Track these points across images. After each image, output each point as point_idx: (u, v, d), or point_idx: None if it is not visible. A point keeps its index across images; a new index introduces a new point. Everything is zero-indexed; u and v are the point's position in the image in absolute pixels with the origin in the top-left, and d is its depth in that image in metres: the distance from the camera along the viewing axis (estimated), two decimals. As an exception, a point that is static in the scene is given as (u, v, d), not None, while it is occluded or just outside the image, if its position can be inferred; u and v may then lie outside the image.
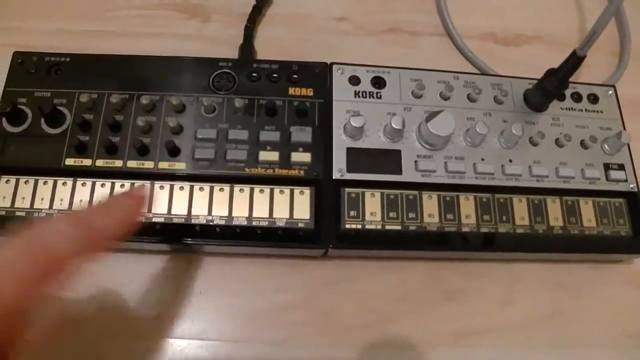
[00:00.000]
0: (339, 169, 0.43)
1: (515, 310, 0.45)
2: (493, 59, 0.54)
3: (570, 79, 0.45)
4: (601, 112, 0.49)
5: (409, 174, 0.44)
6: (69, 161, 0.43)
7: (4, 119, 0.43)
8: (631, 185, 0.47)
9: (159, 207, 0.42)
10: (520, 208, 0.45)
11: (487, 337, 0.44)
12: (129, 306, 0.42)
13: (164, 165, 0.43)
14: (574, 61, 0.43)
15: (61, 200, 0.42)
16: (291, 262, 0.44)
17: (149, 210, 0.42)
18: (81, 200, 0.42)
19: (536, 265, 0.47)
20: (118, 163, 0.43)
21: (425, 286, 0.45)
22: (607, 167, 0.47)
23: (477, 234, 0.43)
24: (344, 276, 0.44)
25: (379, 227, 0.42)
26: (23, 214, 0.41)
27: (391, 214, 0.43)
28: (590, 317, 0.45)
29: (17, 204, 0.42)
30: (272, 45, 0.52)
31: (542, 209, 0.45)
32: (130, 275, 0.43)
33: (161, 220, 0.41)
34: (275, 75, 0.46)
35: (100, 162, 0.43)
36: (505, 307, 0.45)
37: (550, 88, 0.45)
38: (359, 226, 0.42)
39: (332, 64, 0.47)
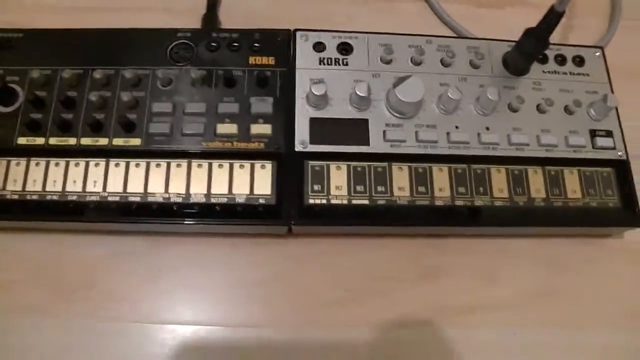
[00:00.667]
0: (302, 140, 0.41)
1: (499, 289, 0.43)
2: (474, 24, 0.50)
3: (557, 42, 0.42)
4: (587, 75, 0.46)
5: (377, 145, 0.41)
6: (22, 140, 0.41)
7: (-50, 98, 0.41)
8: (619, 153, 0.44)
9: (115, 186, 0.40)
10: (499, 179, 0.42)
11: (469, 316, 0.41)
12: (93, 289, 0.41)
13: (118, 141, 0.41)
14: (553, 17, 0.39)
15: (14, 181, 0.40)
16: (255, 240, 0.42)
17: (104, 189, 0.40)
18: (35, 181, 0.40)
19: (520, 240, 0.44)
20: (72, 141, 0.41)
21: (401, 263, 0.43)
22: (593, 133, 0.44)
23: (451, 208, 0.41)
24: (312, 254, 0.42)
25: (345, 201, 0.40)
26: (-26, 195, 0.40)
27: (358, 188, 0.41)
28: (578, 295, 0.43)
29: (-32, 186, 0.40)
30: (238, 13, 0.50)
31: (523, 180, 0.42)
32: (85, 258, 0.41)
33: (116, 199, 0.40)
34: (236, 44, 0.44)
35: (53, 140, 0.41)
36: (489, 285, 0.43)
37: (529, 49, 0.42)
38: (324, 201, 0.40)
39: (295, 30, 0.45)
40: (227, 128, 0.41)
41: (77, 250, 0.42)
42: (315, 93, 0.40)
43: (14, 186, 0.40)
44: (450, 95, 0.41)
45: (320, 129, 0.41)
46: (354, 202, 0.40)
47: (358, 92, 0.40)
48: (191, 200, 0.40)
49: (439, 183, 0.41)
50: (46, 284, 0.41)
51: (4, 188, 0.40)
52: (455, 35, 0.50)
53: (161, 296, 0.40)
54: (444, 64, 0.44)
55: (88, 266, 0.41)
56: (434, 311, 0.41)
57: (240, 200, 0.40)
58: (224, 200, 0.40)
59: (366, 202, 0.40)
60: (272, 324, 0.40)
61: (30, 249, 0.41)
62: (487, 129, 0.43)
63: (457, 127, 0.43)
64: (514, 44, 0.45)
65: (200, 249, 0.42)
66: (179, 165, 0.40)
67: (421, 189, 0.41)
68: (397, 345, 0.40)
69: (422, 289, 0.42)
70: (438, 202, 0.41)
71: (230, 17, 0.49)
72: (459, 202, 0.41)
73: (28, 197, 0.40)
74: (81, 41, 0.44)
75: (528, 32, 0.42)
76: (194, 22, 0.48)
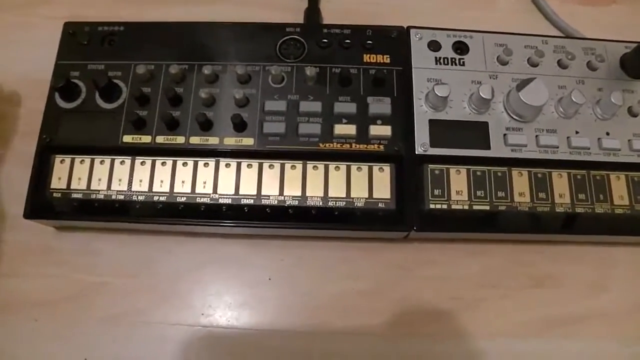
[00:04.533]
0: (422, 143, 0.39)
1: (610, 298, 0.41)
2: (579, 23, 0.49)
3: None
4: None
5: (497, 149, 0.40)
6: (127, 138, 0.39)
7: (57, 94, 0.40)
8: None
9: (225, 188, 0.38)
10: (619, 186, 0.41)
11: (577, 326, 0.40)
12: (197, 293, 0.39)
13: (230, 141, 0.39)
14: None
15: (119, 180, 0.39)
16: (368, 245, 0.41)
17: (214, 191, 0.38)
18: (141, 181, 0.39)
19: (634, 248, 0.42)
20: (180, 139, 0.39)
21: (511, 271, 0.41)
22: None
23: (572, 215, 0.39)
24: (423, 260, 0.41)
25: (466, 207, 0.39)
26: (80, 195, 0.38)
27: (479, 193, 0.39)
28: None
29: (74, 185, 0.39)
30: (338, 8, 0.48)
31: (644, 186, 0.41)
32: (200, 259, 0.40)
33: (228, 201, 0.38)
34: (348, 41, 0.42)
35: (160, 139, 0.39)
36: (599, 294, 0.41)
37: (656, 52, 0.40)
38: (445, 206, 0.38)
39: (409, 27, 0.43)
40: (345, 129, 0.39)
41: (187, 254, 0.40)
42: (438, 94, 0.39)
43: (119, 186, 0.39)
44: (573, 99, 0.40)
45: (441, 131, 0.40)
46: (475, 207, 0.39)
47: (482, 95, 0.39)
48: (308, 204, 0.38)
49: (559, 189, 0.40)
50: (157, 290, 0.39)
51: (109, 188, 0.38)
52: (562, 34, 0.48)
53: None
54: (561, 65, 0.43)
55: (198, 270, 0.39)
56: (545, 321, 0.40)
57: (359, 204, 0.38)
58: (342, 204, 0.38)
59: (487, 207, 0.39)
60: (376, 332, 0.39)
61: (138, 250, 0.40)
62: (608, 134, 0.41)
63: (577, 132, 0.41)
64: (632, 44, 0.43)
65: (314, 253, 0.40)
66: (293, 167, 0.39)
67: (541, 195, 0.40)
68: (509, 357, 0.39)
69: (532, 297, 0.40)
70: (559, 209, 0.39)
71: (330, 12, 0.47)
72: (579, 210, 0.40)
73: (134, 198, 0.38)
74: (186, 35, 0.42)
75: (657, 35, 0.40)
76: (292, 18, 0.46)
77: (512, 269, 0.41)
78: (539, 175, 0.40)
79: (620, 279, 0.42)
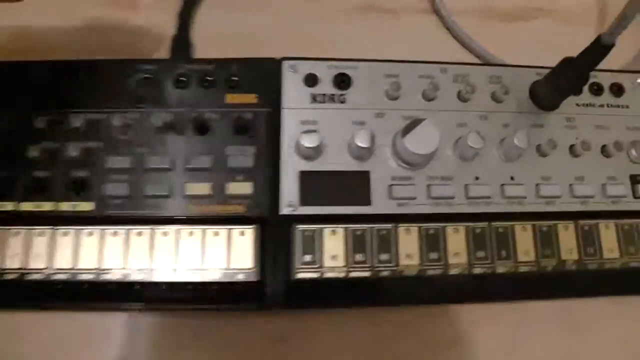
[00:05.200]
0: (289, 202, 0.34)
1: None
2: (492, 41, 0.42)
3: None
4: (627, 107, 0.39)
5: (380, 204, 0.34)
6: None
7: None
8: (667, 203, 0.37)
9: (62, 261, 0.33)
10: (524, 238, 0.35)
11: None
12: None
13: (66, 206, 0.33)
14: (599, 51, 0.32)
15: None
16: (231, 315, 0.35)
17: (49, 265, 0.32)
18: (-35, 254, 0.33)
19: (542, 303, 0.37)
20: (9, 206, 0.33)
21: (405, 339, 0.36)
22: (635, 180, 0.37)
23: (468, 278, 0.34)
24: (297, 331, 0.36)
25: (342, 274, 0.33)
26: None
27: (357, 257, 0.34)
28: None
29: None
30: (212, 34, 0.41)
31: (552, 238, 0.35)
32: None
33: (64, 277, 0.32)
34: (210, 78, 0.36)
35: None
36: (509, 356, 0.36)
37: (566, 83, 0.35)
38: (316, 274, 0.33)
39: (282, 59, 0.37)
40: (199, 188, 0.34)
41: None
42: (305, 145, 0.33)
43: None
44: (470, 144, 0.34)
45: (312, 185, 0.34)
46: (353, 274, 0.33)
47: (358, 143, 0.33)
48: (156, 278, 0.33)
49: (454, 247, 0.35)
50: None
51: None
52: (476, 59, 0.42)
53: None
54: (461, 98, 0.37)
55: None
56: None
57: (215, 276, 0.33)
58: (197, 277, 0.33)
59: (367, 274, 0.34)
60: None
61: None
62: (512, 178, 0.36)
63: (477, 177, 0.36)
64: (543, 71, 0.37)
65: (166, 329, 0.35)
66: (140, 234, 0.33)
67: (433, 255, 0.34)
68: None
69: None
70: (453, 271, 0.34)
71: (205, 42, 0.41)
72: (477, 270, 0.34)
73: (-43, 273, 0.33)
74: (18, 76, 0.36)
75: (565, 64, 0.34)
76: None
77: (405, 336, 0.36)
78: (431, 231, 0.35)
79: (531, 337, 0.37)
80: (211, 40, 0.41)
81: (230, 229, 0.33)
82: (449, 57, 0.39)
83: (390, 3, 0.43)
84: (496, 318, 0.37)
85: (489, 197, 0.35)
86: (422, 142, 0.33)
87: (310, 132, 0.33)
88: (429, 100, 0.37)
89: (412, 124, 0.34)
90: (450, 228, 0.35)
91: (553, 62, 0.36)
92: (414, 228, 0.35)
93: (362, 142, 0.33)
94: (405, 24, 0.43)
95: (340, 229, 0.34)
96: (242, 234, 0.33)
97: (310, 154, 0.34)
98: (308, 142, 0.33)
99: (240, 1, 0.43)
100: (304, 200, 0.34)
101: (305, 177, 0.34)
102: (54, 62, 0.36)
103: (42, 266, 0.33)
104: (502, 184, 0.36)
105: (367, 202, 0.34)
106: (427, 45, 0.42)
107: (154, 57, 0.37)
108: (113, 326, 0.34)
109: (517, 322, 0.37)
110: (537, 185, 0.36)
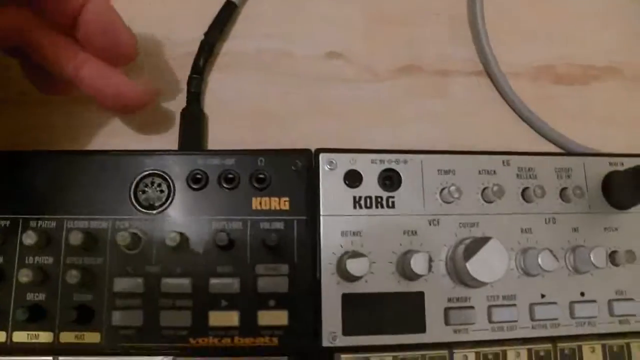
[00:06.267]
0: (331, 332, 0.29)
1: None
2: (550, 105, 0.37)
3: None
4: None
5: (436, 330, 0.30)
6: None
7: None
8: None
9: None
10: (593, 360, 0.31)
11: None
12: None
13: (68, 337, 0.28)
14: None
15: None
16: None
17: None
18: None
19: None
20: (0, 336, 0.28)
21: None
22: None
23: (532, 411, 0.30)
24: None
25: (392, 414, 0.29)
26: None
27: (409, 389, 0.29)
28: None
29: None
30: (227, 105, 0.35)
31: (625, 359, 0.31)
32: None
33: (68, 422, 0.28)
34: (231, 176, 0.30)
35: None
36: None
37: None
38: (361, 417, 0.29)
39: (317, 151, 0.31)
40: (224, 317, 0.29)
41: None
42: (353, 274, 0.28)
43: None
44: (542, 265, 0.29)
45: (358, 311, 0.29)
46: (405, 411, 0.29)
47: (416, 271, 0.28)
48: None
49: (515, 374, 0.30)
50: None
51: None
52: (533, 131, 0.37)
53: None
54: (526, 198, 0.32)
55: None
56: None
57: (244, 422, 0.28)
58: (224, 421, 0.28)
59: (422, 409, 0.29)
60: None
61: None
62: (582, 294, 0.31)
63: (542, 295, 0.31)
64: (617, 160, 0.32)
65: None
66: (157, 370, 0.28)
67: (492, 383, 0.30)
68: None
69: None
70: (515, 403, 0.30)
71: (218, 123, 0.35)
72: (541, 403, 0.30)
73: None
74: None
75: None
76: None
77: None
78: (489, 356, 0.30)
79: None
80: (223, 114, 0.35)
81: (261, 364, 0.29)
82: (505, 128, 0.33)
83: (439, 64, 0.37)
84: None
85: (556, 319, 0.31)
86: (487, 267, 0.28)
87: (358, 256, 0.28)
88: (489, 202, 0.31)
89: (476, 245, 0.29)
90: (511, 352, 0.30)
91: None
92: (471, 354, 0.30)
93: (419, 269, 0.28)
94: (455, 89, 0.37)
95: (389, 357, 0.29)
96: (276, 370, 0.29)
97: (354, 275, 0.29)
98: (356, 270, 0.28)
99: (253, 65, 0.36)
100: (348, 329, 0.29)
101: (349, 302, 0.29)
102: (53, 153, 0.30)
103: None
104: (571, 301, 0.31)
105: (421, 329, 0.29)
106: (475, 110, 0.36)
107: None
108: None
109: None
110: (609, 301, 0.31)
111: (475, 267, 0.28)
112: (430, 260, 0.28)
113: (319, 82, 0.36)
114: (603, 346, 0.32)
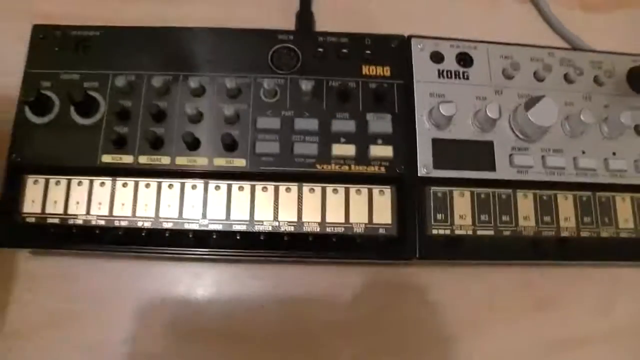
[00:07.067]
0: (425, 164, 0.37)
1: (615, 320, 0.40)
2: (582, 30, 0.46)
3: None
4: None
5: (503, 170, 0.38)
6: (107, 158, 0.36)
7: (27, 108, 0.36)
8: None
9: (216, 212, 0.35)
10: (624, 208, 0.39)
11: (582, 350, 0.39)
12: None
13: (220, 162, 0.36)
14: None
15: (99, 204, 0.35)
16: (367, 269, 0.39)
17: (204, 216, 0.35)
18: (123, 204, 0.35)
19: (639, 269, 0.41)
20: (165, 160, 0.36)
21: (513, 294, 0.40)
22: None
23: (578, 240, 0.38)
24: (424, 284, 0.39)
25: (470, 232, 0.37)
26: (56, 220, 0.35)
27: (482, 217, 0.37)
28: None
29: (49, 209, 0.35)
30: (331, 12, 0.44)
31: (648, 208, 0.39)
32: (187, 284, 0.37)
33: (218, 227, 0.35)
34: (345, 50, 0.39)
35: (143, 159, 0.36)
36: (604, 317, 0.40)
37: (667, 69, 0.39)
38: (448, 231, 0.37)
39: (410, 37, 0.40)
40: (344, 149, 0.37)
41: (173, 279, 0.37)
42: (444, 114, 0.36)
43: (99, 210, 0.35)
44: (583, 119, 0.38)
45: (444, 152, 0.38)
46: (479, 232, 0.37)
47: (489, 114, 0.36)
48: (304, 230, 0.36)
49: (564, 212, 0.38)
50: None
51: (88, 212, 0.35)
52: (566, 45, 0.46)
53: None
54: (568, 80, 0.41)
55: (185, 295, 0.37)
56: (549, 345, 0.39)
57: (358, 230, 0.36)
58: (341, 230, 0.36)
59: (491, 232, 0.37)
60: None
61: (119, 277, 0.37)
62: (614, 154, 0.40)
63: (583, 152, 0.39)
64: (638, 58, 0.41)
65: (310, 278, 0.38)
66: (288, 190, 0.36)
67: (547, 218, 0.38)
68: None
69: (535, 321, 0.39)
70: (564, 234, 0.38)
71: (322, 17, 0.44)
72: (584, 234, 0.38)
73: (116, 224, 0.35)
74: (169, 42, 0.39)
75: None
76: (282, 20, 0.43)
77: (514, 292, 0.40)
78: (544, 197, 0.38)
79: (626, 301, 0.41)
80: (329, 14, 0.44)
81: (370, 188, 0.37)
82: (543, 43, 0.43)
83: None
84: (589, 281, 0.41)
85: (594, 170, 0.39)
86: (544, 115, 0.37)
87: (447, 102, 0.37)
88: (540, 80, 0.40)
89: (534, 100, 0.37)
90: (560, 195, 0.39)
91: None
92: (530, 194, 0.38)
93: (493, 113, 0.37)
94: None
95: (467, 191, 0.37)
96: (382, 193, 0.37)
97: (442, 123, 0.38)
98: (446, 110, 0.36)
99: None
100: (438, 164, 0.37)
101: (438, 144, 0.38)
102: (201, 29, 0.39)
103: (196, 217, 0.35)
104: (606, 158, 0.39)
105: (492, 168, 0.38)
106: (524, 32, 0.46)
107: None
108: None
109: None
110: (635, 161, 0.40)
111: (535, 115, 0.37)
112: (501, 110, 0.37)
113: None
114: (632, 198, 0.40)
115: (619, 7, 0.48)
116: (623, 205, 0.39)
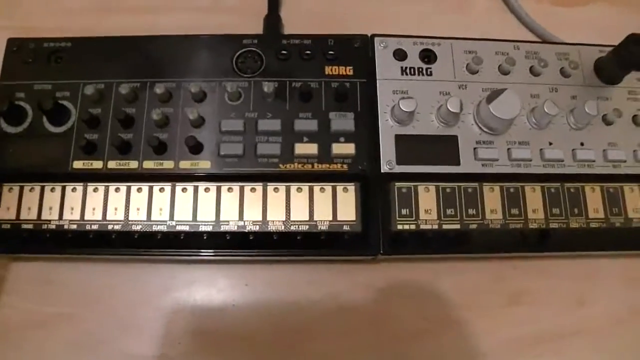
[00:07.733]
0: (388, 160, 0.38)
1: (590, 312, 0.40)
2: (552, 24, 0.46)
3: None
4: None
5: (467, 164, 0.38)
6: (77, 164, 0.37)
7: (1, 119, 0.37)
8: None
9: (183, 214, 0.36)
10: (594, 198, 0.39)
11: (557, 344, 0.39)
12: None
13: (185, 164, 0.37)
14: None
15: (72, 209, 0.37)
16: (335, 266, 0.39)
17: (171, 218, 0.36)
18: (94, 209, 0.37)
19: (612, 260, 0.41)
20: (133, 164, 0.37)
21: (484, 289, 0.40)
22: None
23: (546, 232, 0.38)
24: (393, 280, 0.39)
25: (436, 226, 0.37)
26: (31, 226, 0.36)
27: (448, 211, 0.37)
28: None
29: (23, 215, 0.36)
30: (300, 15, 0.45)
31: (619, 198, 0.39)
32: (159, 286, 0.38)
33: (185, 228, 0.36)
34: (308, 52, 0.40)
35: (112, 164, 0.37)
36: (578, 309, 0.40)
37: (632, 57, 0.39)
38: (413, 226, 0.37)
39: (373, 36, 0.41)
40: (307, 148, 0.37)
41: (145, 282, 0.38)
42: (404, 109, 0.37)
43: (71, 215, 0.37)
44: (546, 110, 0.38)
45: (408, 147, 0.38)
46: (445, 227, 0.37)
47: (450, 108, 0.37)
48: (269, 228, 0.36)
49: (532, 204, 0.38)
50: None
51: (60, 217, 0.36)
52: (537, 38, 0.46)
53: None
54: (533, 73, 0.41)
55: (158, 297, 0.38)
56: (523, 340, 0.38)
57: (322, 227, 0.36)
58: (305, 228, 0.36)
59: (457, 226, 0.37)
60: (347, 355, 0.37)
61: (94, 279, 0.38)
62: (582, 144, 0.40)
63: (550, 143, 0.39)
64: (606, 48, 0.41)
65: (278, 277, 0.39)
66: (253, 190, 0.37)
67: (514, 211, 0.38)
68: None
69: (508, 316, 0.39)
70: (532, 225, 0.38)
71: (291, 20, 0.45)
72: (554, 225, 0.38)
73: (88, 227, 0.36)
74: (136, 50, 0.40)
75: (632, 40, 0.38)
76: (253, 24, 0.44)
77: (485, 286, 0.40)
78: (511, 190, 0.38)
79: (600, 292, 0.41)
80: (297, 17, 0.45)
81: (334, 185, 0.37)
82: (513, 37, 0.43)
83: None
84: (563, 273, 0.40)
85: (562, 160, 0.39)
86: (505, 108, 0.37)
87: (408, 98, 0.37)
88: (505, 74, 0.41)
89: (496, 93, 0.37)
90: (528, 187, 0.39)
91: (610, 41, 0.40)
92: (496, 187, 0.38)
93: (453, 107, 0.37)
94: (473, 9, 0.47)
95: (432, 186, 0.38)
96: (345, 190, 0.37)
97: (405, 119, 0.38)
98: (406, 106, 0.37)
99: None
100: (401, 160, 0.38)
101: (401, 140, 0.38)
102: (168, 37, 0.40)
103: (164, 219, 0.36)
104: (573, 149, 0.39)
105: (457, 162, 0.38)
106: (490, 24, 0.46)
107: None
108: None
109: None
110: (604, 150, 0.40)
111: (496, 107, 0.37)
112: (462, 104, 0.37)
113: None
114: (601, 188, 0.40)
115: (587, 0, 0.48)
116: (593, 195, 0.39)
